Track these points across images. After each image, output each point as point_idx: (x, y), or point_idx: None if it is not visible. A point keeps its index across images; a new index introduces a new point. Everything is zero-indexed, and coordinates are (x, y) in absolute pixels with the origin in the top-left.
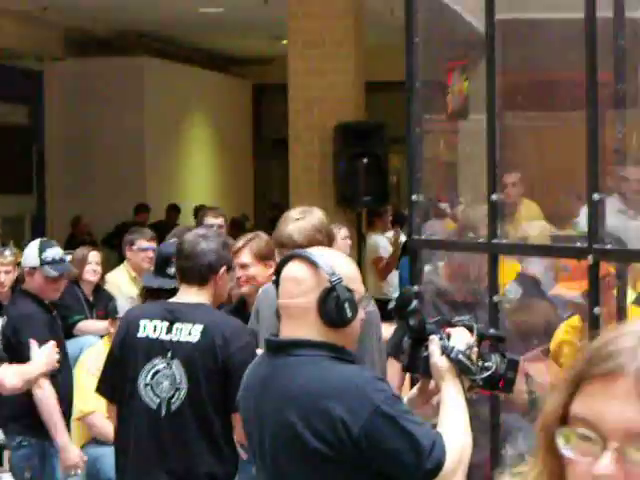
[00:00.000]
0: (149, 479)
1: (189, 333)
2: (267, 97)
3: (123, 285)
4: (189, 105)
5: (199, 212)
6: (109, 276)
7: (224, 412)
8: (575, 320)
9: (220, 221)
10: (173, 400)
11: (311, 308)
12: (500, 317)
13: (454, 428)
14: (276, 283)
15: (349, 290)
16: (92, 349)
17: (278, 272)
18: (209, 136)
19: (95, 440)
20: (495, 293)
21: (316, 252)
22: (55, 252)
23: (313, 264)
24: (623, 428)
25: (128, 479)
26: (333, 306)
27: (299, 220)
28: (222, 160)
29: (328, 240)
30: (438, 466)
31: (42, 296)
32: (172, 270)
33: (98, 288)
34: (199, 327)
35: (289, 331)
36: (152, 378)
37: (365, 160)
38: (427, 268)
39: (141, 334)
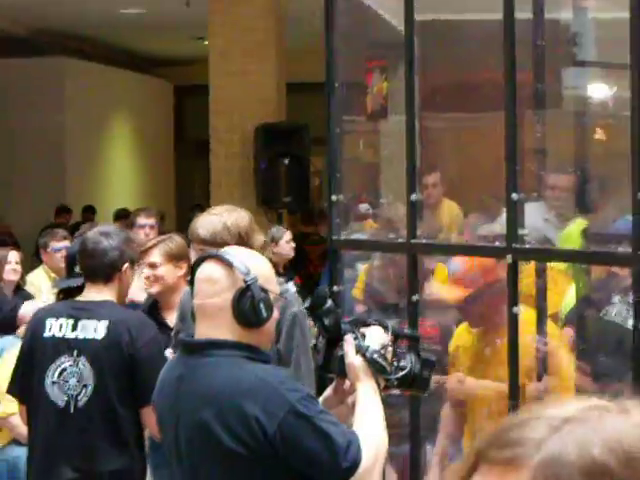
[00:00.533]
0: (55, 477)
1: (94, 330)
2: (189, 98)
3: (43, 286)
4: (110, 106)
5: (120, 213)
6: (29, 277)
7: (133, 408)
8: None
9: (152, 221)
10: (80, 397)
11: (226, 308)
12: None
13: (370, 427)
14: (191, 283)
15: (264, 290)
16: (13, 350)
17: (193, 272)
18: (130, 138)
19: (15, 441)
20: (415, 292)
21: (231, 252)
22: None
23: (228, 264)
24: None
25: (36, 477)
26: (248, 306)
27: (213, 215)
28: (144, 162)
29: (239, 242)
30: (354, 465)
31: None
32: (79, 268)
33: (18, 288)
34: (104, 323)
35: (204, 331)
36: (59, 376)
37: (286, 161)
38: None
39: (47, 333)
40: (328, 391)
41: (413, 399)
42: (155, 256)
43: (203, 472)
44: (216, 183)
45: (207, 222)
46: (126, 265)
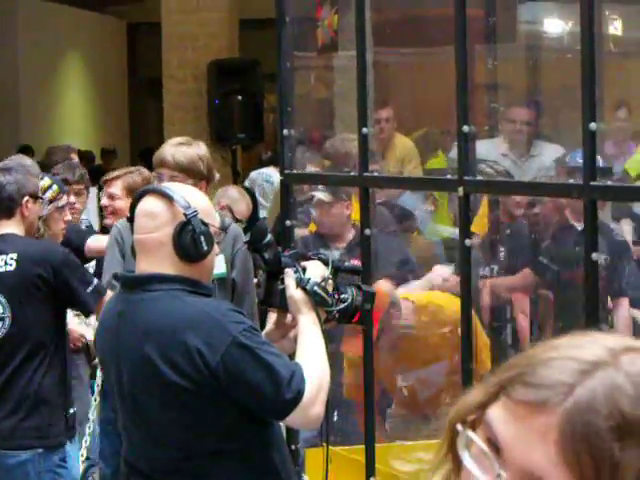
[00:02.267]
0: None
1: (5, 263)
2: (141, 36)
3: None
4: (63, 45)
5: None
6: None
7: (56, 335)
8: None
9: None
10: None
11: (166, 242)
12: (372, 251)
13: (312, 359)
14: (131, 219)
15: (204, 224)
16: None
17: (132, 207)
18: (84, 76)
19: None
20: (367, 227)
21: (171, 187)
22: None
23: (168, 198)
24: (523, 467)
25: None
26: (188, 240)
27: (183, 145)
28: (97, 100)
29: (208, 173)
30: (298, 395)
31: None
32: None
33: None
34: (13, 255)
35: (145, 266)
36: None
37: (239, 97)
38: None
39: None
40: (270, 325)
41: (368, 337)
42: (116, 188)
43: (146, 407)
44: (169, 120)
45: (182, 151)
46: (26, 199)
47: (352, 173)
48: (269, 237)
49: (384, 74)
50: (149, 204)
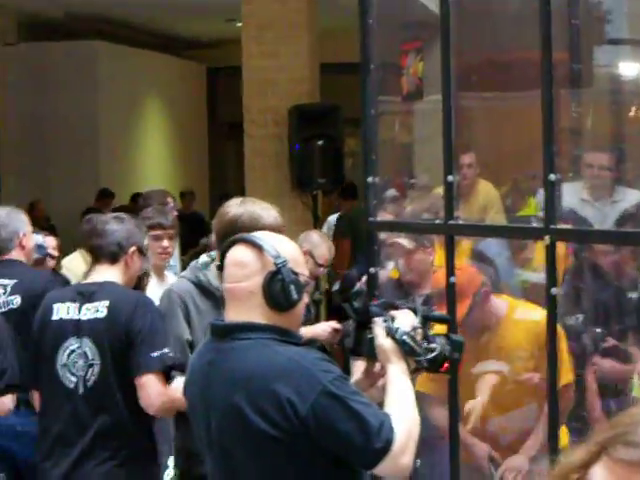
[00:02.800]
0: (69, 457)
1: (97, 310)
2: (221, 80)
3: (79, 269)
4: (143, 89)
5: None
6: (65, 261)
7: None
8: None
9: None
10: (87, 377)
11: (256, 291)
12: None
13: (402, 408)
14: (220, 267)
15: (294, 273)
16: None
17: (222, 257)
18: (163, 120)
19: None
20: (452, 275)
21: (260, 235)
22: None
23: (258, 247)
24: None
25: (46, 457)
26: (278, 289)
27: (267, 204)
28: (177, 144)
29: None
30: (387, 445)
31: None
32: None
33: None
34: (105, 303)
35: (234, 315)
36: (68, 358)
37: (320, 142)
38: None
39: (55, 317)
40: (359, 374)
41: (453, 380)
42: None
43: (235, 457)
44: (250, 165)
45: (275, 210)
46: (133, 249)
47: (437, 221)
48: (358, 286)
49: (466, 119)
50: (239, 253)
